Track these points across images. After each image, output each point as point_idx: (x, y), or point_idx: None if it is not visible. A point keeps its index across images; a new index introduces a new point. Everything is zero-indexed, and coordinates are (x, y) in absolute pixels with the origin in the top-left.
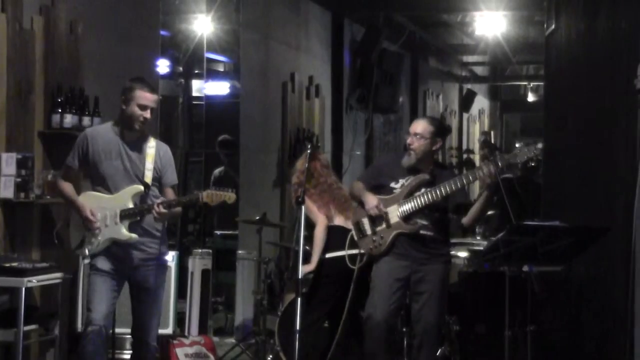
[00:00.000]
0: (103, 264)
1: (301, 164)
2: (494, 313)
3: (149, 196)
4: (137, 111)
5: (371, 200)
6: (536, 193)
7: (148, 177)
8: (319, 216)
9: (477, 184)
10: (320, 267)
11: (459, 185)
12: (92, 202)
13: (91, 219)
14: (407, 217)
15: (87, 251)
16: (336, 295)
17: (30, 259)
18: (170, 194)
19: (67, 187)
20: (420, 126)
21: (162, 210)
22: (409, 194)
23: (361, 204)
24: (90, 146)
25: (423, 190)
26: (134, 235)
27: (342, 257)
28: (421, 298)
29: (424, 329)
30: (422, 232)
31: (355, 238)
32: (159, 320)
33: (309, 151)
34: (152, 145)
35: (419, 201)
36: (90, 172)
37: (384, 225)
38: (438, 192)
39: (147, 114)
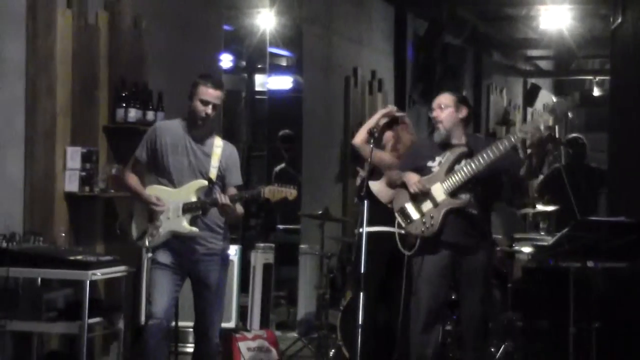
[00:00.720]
0: (164, 257)
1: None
2: (558, 309)
3: (213, 192)
4: (199, 106)
5: (412, 177)
6: (591, 178)
7: (213, 173)
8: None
9: None
10: (361, 241)
11: (501, 149)
12: (157, 194)
13: (157, 203)
14: (453, 193)
15: (147, 242)
16: (380, 275)
17: (95, 252)
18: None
19: (134, 179)
20: (442, 98)
21: (226, 201)
22: (449, 170)
23: (400, 188)
24: (158, 139)
25: (463, 162)
26: (194, 229)
27: (389, 233)
28: (465, 289)
29: (468, 321)
30: (468, 209)
31: (403, 225)
32: (221, 317)
33: (371, 146)
34: (219, 145)
35: (461, 174)
36: (156, 165)
37: (430, 205)
38: (479, 162)
39: (209, 110)
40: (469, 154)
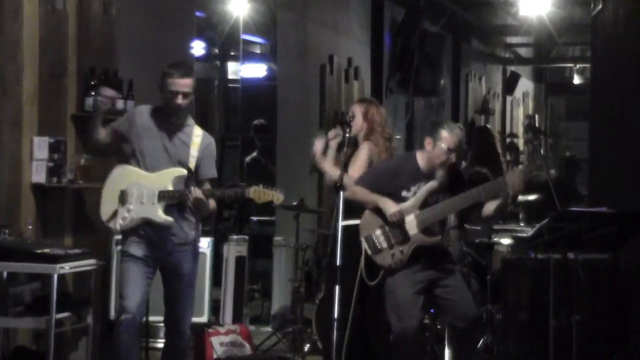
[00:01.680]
0: (135, 249)
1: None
2: (538, 302)
3: (190, 183)
4: (170, 98)
5: (392, 206)
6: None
7: (192, 163)
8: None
9: None
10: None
11: (482, 196)
12: (130, 176)
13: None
14: (426, 229)
15: (117, 225)
16: (356, 268)
17: (63, 245)
18: (208, 187)
19: (102, 132)
20: (459, 141)
21: (200, 195)
22: (424, 204)
23: (370, 211)
24: (136, 120)
25: (440, 197)
26: (169, 218)
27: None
28: (448, 292)
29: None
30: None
31: (369, 252)
32: (192, 308)
33: (347, 135)
34: (198, 134)
35: (436, 211)
36: (129, 145)
37: (400, 237)
38: (457, 202)
39: (179, 100)
40: (445, 190)
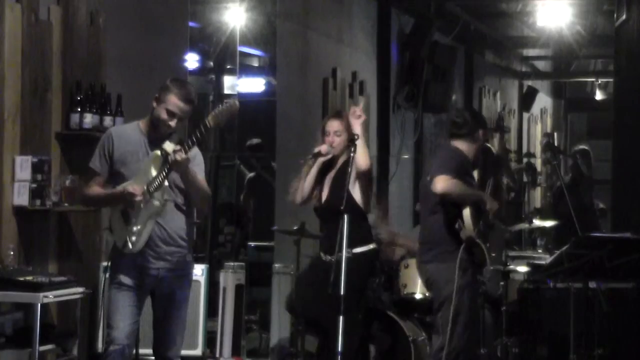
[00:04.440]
0: (124, 277)
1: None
2: (557, 334)
3: (172, 190)
4: (164, 115)
5: (489, 199)
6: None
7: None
8: None
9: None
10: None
11: None
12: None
13: (133, 191)
14: None
15: (130, 245)
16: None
17: (47, 272)
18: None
19: (96, 189)
20: None
21: (182, 156)
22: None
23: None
24: (116, 147)
25: None
26: (166, 196)
27: (370, 251)
28: None
29: None
30: None
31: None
32: (183, 336)
33: (352, 155)
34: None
35: None
36: (114, 175)
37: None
38: None
39: (173, 123)
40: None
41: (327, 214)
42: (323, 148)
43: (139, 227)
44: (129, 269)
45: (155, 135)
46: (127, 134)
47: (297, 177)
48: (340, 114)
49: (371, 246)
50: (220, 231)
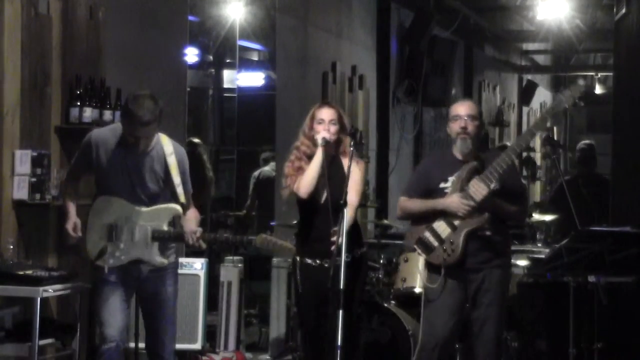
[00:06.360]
0: (108, 274)
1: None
2: (556, 328)
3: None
4: (131, 140)
5: (453, 200)
6: (605, 192)
7: (181, 194)
8: None
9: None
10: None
11: (508, 161)
12: (117, 209)
13: (71, 233)
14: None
15: (107, 266)
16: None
17: (46, 266)
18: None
19: (69, 189)
20: (471, 107)
21: (202, 244)
22: (461, 189)
23: (416, 221)
24: (95, 155)
25: (476, 179)
26: (165, 260)
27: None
28: (481, 309)
29: (483, 345)
30: (483, 232)
31: (425, 256)
32: (174, 332)
33: (351, 149)
34: (170, 152)
35: (474, 187)
36: (98, 182)
37: (449, 230)
38: (492, 176)
39: (141, 145)
40: (481, 169)
41: (322, 210)
42: (326, 135)
43: (123, 255)
44: (111, 267)
45: (137, 151)
46: (106, 141)
47: (292, 170)
48: (330, 103)
49: (364, 249)
50: (220, 226)
